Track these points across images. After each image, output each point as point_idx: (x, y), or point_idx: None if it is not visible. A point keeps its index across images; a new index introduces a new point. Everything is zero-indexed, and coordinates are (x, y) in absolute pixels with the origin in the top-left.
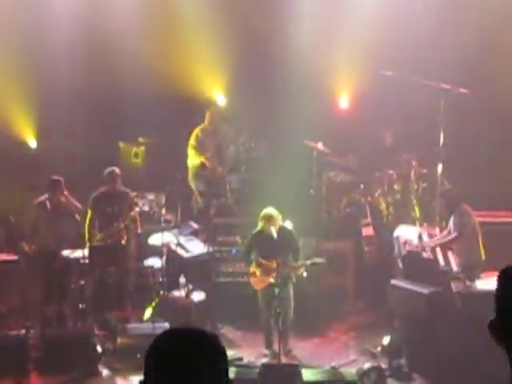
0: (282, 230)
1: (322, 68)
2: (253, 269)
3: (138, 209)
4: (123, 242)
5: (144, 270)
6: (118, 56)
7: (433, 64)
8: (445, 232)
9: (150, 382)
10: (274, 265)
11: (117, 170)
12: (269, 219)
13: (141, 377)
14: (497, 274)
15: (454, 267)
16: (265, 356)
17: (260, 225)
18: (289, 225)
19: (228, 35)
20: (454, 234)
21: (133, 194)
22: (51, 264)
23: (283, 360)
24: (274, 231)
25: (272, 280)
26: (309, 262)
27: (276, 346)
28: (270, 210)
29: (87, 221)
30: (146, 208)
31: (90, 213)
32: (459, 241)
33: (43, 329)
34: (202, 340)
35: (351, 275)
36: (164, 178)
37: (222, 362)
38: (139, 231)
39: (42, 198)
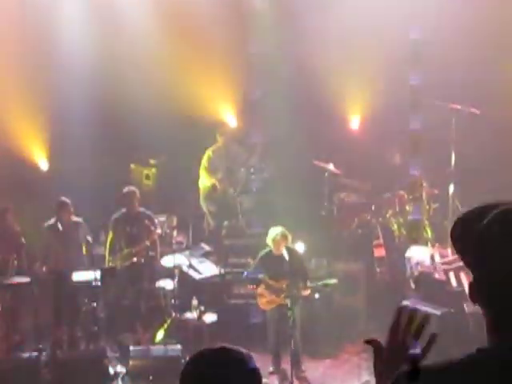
0: (290, 252)
1: (333, 89)
2: (261, 290)
3: (159, 230)
4: (143, 261)
5: (156, 292)
6: (130, 79)
7: (443, 83)
8: None
9: None
10: (284, 286)
11: (135, 189)
12: (282, 239)
13: None
14: None
15: (467, 290)
16: (271, 374)
17: (271, 244)
18: (301, 246)
19: (240, 57)
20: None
21: (148, 213)
22: (63, 286)
23: (295, 383)
24: (285, 252)
25: (282, 301)
26: (320, 283)
27: (283, 367)
28: (281, 230)
29: (108, 242)
30: (158, 230)
31: (111, 234)
32: None
33: (55, 351)
34: (240, 360)
35: (363, 296)
36: (175, 199)
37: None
38: (158, 253)
39: (52, 220)
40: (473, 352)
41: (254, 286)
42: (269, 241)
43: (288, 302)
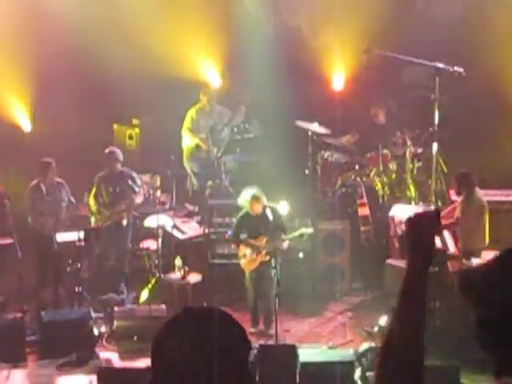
0: (266, 209)
1: (316, 48)
2: (242, 250)
3: (142, 190)
4: (125, 222)
5: (140, 253)
6: (113, 39)
7: (426, 42)
8: (446, 211)
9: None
10: (263, 242)
11: (117, 150)
12: (256, 200)
13: (139, 359)
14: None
15: (451, 248)
16: (251, 334)
17: (247, 206)
18: (284, 205)
19: (222, 15)
20: (453, 219)
21: (132, 173)
22: (46, 247)
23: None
24: (263, 211)
25: (263, 258)
26: (296, 233)
27: (262, 325)
28: (254, 191)
29: (91, 197)
30: (142, 190)
31: (94, 190)
32: (459, 226)
33: (39, 312)
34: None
35: (347, 255)
36: (159, 159)
37: (243, 342)
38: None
39: (35, 181)
40: None
41: (235, 245)
42: (243, 202)
43: (270, 259)
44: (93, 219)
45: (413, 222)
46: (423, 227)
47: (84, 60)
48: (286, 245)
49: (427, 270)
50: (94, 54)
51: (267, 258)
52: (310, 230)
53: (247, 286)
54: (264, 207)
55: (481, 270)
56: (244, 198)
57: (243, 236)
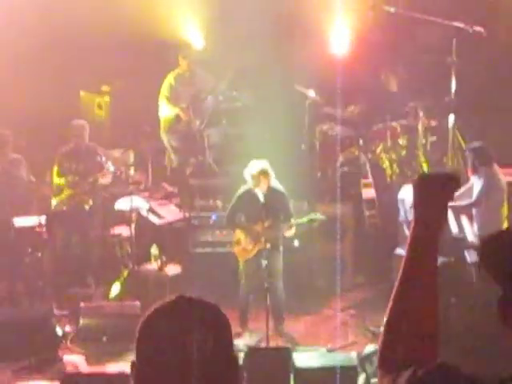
0: (272, 191)
1: (316, 4)
2: (237, 235)
3: (112, 168)
4: (87, 206)
5: (110, 240)
6: None
7: None
8: (461, 190)
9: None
10: (263, 228)
11: (83, 122)
12: (265, 175)
13: (109, 363)
14: None
15: (469, 235)
16: (239, 336)
17: (252, 180)
18: (277, 185)
19: None
20: (471, 200)
21: (101, 149)
22: (2, 234)
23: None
24: (265, 191)
25: (261, 247)
26: (305, 218)
27: (252, 325)
28: (263, 164)
29: (55, 174)
30: (112, 168)
31: (56, 169)
32: (478, 208)
33: None
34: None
35: (350, 244)
36: (132, 132)
37: (228, 335)
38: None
39: None
40: None
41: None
42: (247, 175)
43: (268, 246)
44: (55, 201)
45: (423, 184)
46: (435, 192)
47: (44, 16)
48: (290, 232)
49: (435, 246)
50: (58, 9)
51: (267, 246)
52: (320, 216)
53: (241, 278)
54: (269, 187)
55: (507, 235)
56: (250, 172)
57: (240, 218)
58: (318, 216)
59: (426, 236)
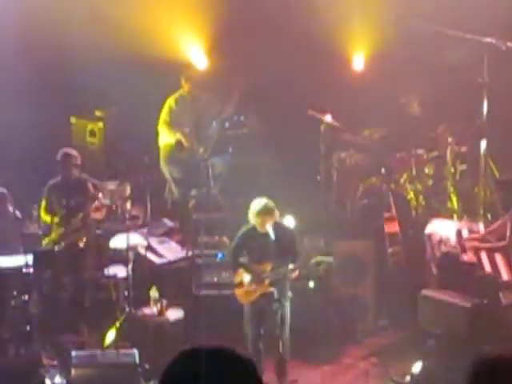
0: (279, 228)
1: (331, 20)
2: (239, 277)
3: (107, 202)
4: (81, 244)
5: (105, 282)
6: (72, 12)
7: (471, 12)
8: (495, 226)
9: None
10: (267, 269)
11: (72, 151)
12: (267, 214)
13: None
14: None
15: (504, 275)
16: None
17: (255, 221)
18: (290, 221)
19: None
20: (506, 241)
21: (94, 181)
22: None
23: None
24: (270, 229)
25: (265, 290)
26: (312, 261)
27: (267, 375)
28: (266, 202)
29: (42, 210)
30: (107, 201)
31: (44, 203)
32: None
33: None
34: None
35: (371, 284)
36: (129, 162)
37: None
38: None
39: None
40: None
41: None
42: (251, 216)
43: (273, 290)
44: (45, 241)
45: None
46: None
47: (36, 35)
48: (295, 274)
49: None
50: (49, 29)
51: (270, 289)
52: (328, 259)
53: (246, 324)
54: (275, 224)
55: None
56: (253, 210)
57: (243, 259)
58: (326, 258)
59: None
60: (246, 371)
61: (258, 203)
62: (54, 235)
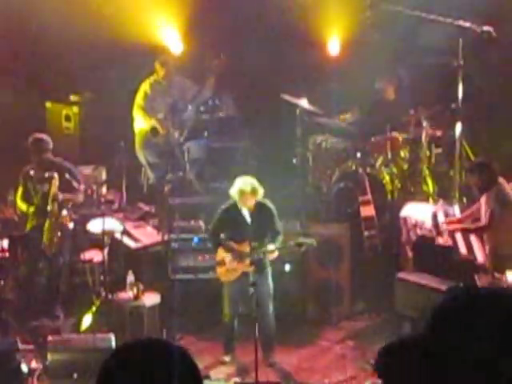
0: (260, 207)
1: (306, 5)
2: (220, 255)
3: (82, 186)
4: (62, 226)
5: (80, 266)
6: None
7: None
8: (471, 210)
9: None
10: (248, 248)
11: (43, 136)
12: (253, 192)
13: None
14: None
15: (479, 257)
16: (223, 363)
17: (237, 197)
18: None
19: None
20: (482, 223)
21: (68, 164)
22: None
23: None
24: (252, 206)
25: (246, 269)
26: (292, 242)
27: (238, 353)
28: (251, 182)
29: (19, 198)
30: (82, 186)
31: (20, 190)
32: (489, 230)
33: None
34: (168, 355)
35: (347, 268)
36: (104, 147)
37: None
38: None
39: None
40: None
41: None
42: (234, 192)
43: (252, 269)
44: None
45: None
46: None
47: (8, 17)
48: (275, 255)
49: None
50: (22, 12)
51: (250, 268)
52: (311, 241)
53: (225, 302)
54: (256, 203)
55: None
56: (238, 187)
57: (224, 235)
58: (309, 241)
59: None
60: (178, 359)
61: (243, 181)
62: (29, 226)
